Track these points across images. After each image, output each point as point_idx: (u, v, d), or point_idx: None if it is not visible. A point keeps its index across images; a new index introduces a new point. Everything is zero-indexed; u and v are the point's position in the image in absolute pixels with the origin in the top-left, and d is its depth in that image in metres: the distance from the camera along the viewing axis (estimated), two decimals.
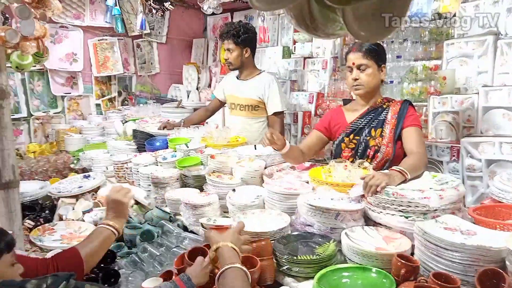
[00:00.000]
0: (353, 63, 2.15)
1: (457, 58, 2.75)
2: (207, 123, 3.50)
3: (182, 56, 5.47)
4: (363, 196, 1.65)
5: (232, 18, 4.91)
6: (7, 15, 2.78)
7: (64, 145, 3.98)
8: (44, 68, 4.32)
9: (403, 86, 3.04)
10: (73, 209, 2.50)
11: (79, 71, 4.64)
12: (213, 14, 4.51)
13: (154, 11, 4.75)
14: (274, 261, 1.45)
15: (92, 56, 4.72)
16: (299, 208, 1.67)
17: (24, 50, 2.16)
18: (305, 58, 4.01)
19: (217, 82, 4.87)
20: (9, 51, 2.22)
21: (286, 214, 1.70)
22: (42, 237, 2.18)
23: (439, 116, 2.71)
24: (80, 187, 2.74)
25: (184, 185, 2.32)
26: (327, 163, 2.10)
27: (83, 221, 2.36)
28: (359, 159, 2.11)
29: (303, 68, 4.01)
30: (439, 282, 1.15)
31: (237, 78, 3.23)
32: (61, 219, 2.46)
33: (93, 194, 2.66)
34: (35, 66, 2.86)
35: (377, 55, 2.14)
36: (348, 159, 2.14)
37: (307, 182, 1.97)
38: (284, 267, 1.42)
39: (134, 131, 3.33)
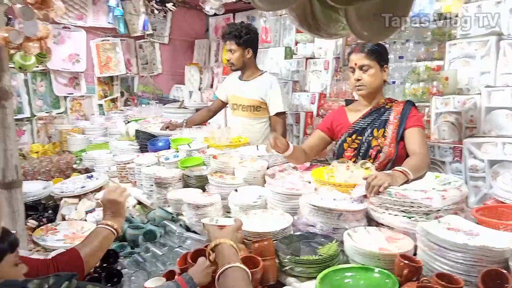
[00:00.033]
0: (356, 64, 2.15)
1: (459, 58, 2.74)
2: (209, 123, 3.50)
3: (184, 56, 5.48)
4: (365, 196, 1.65)
5: (234, 18, 4.91)
6: (10, 16, 2.80)
7: (67, 145, 3.99)
8: (47, 68, 4.35)
9: (405, 86, 3.03)
10: (76, 209, 2.51)
11: (81, 72, 4.66)
12: (215, 15, 4.52)
13: (156, 12, 4.77)
14: (277, 261, 1.45)
15: (94, 57, 4.74)
16: (301, 208, 1.67)
17: (27, 51, 2.18)
18: (307, 59, 4.01)
19: (219, 82, 4.87)
20: (12, 51, 2.23)
21: (289, 214, 1.70)
22: (45, 237, 2.19)
23: (442, 116, 2.70)
24: (83, 187, 2.74)
25: (186, 185, 2.32)
26: (330, 164, 2.10)
27: (86, 221, 2.37)
28: (362, 159, 2.11)
29: (305, 69, 4.01)
30: (442, 283, 1.15)
31: (239, 78, 3.23)
32: (64, 219, 2.47)
33: (95, 194, 2.67)
34: (38, 66, 2.87)
35: (380, 56, 2.14)
36: (351, 159, 2.14)
37: (309, 183, 1.96)
38: (287, 267, 1.42)
39: (137, 131, 3.34)
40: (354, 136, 2.20)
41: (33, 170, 3.25)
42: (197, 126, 3.31)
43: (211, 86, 5.14)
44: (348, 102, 3.13)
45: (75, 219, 2.40)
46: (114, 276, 1.64)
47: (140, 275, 1.65)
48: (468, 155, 2.45)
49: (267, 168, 2.23)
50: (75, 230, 2.26)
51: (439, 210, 1.47)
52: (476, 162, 2.42)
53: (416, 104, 2.24)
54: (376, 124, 2.17)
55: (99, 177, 2.88)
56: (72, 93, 4.63)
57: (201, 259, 1.38)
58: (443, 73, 2.75)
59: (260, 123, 3.15)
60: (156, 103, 4.89)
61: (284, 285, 1.42)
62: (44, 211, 2.59)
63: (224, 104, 3.45)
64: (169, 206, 2.18)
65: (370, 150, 2.15)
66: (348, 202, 1.67)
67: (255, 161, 2.28)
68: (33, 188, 2.76)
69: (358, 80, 2.16)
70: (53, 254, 1.55)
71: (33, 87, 4.32)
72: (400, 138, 2.09)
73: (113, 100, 5.01)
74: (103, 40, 4.79)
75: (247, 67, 3.14)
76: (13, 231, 1.26)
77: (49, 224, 2.34)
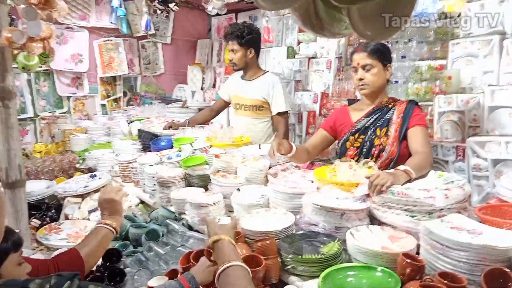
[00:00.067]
0: (358, 63, 2.15)
1: (462, 57, 2.73)
2: (211, 123, 3.51)
3: (187, 56, 5.49)
4: (368, 195, 1.65)
5: (236, 18, 4.92)
6: (13, 16, 2.81)
7: (70, 145, 4.01)
8: (50, 68, 4.36)
9: (408, 86, 3.02)
10: (79, 208, 2.52)
11: (84, 72, 4.67)
12: (217, 14, 4.52)
13: (159, 12, 4.77)
14: (279, 260, 1.45)
15: (97, 57, 4.75)
16: (304, 207, 1.67)
17: (30, 51, 2.18)
18: (309, 58, 4.00)
19: (222, 82, 4.88)
20: (15, 52, 2.24)
21: (291, 214, 1.70)
22: (48, 236, 2.20)
23: (445, 115, 2.69)
24: (86, 186, 2.76)
25: (189, 184, 2.33)
26: (332, 163, 2.10)
27: (89, 220, 2.38)
28: (364, 158, 2.10)
29: (308, 68, 4.01)
30: (445, 282, 1.14)
31: (242, 78, 3.23)
32: (67, 218, 2.48)
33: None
34: (41, 66, 2.87)
35: (382, 55, 2.14)
36: (353, 158, 2.14)
37: (312, 182, 1.96)
38: (289, 266, 1.42)
39: (140, 131, 3.34)
40: (356, 135, 2.20)
41: (37, 170, 3.27)
42: (200, 125, 3.32)
43: (214, 86, 5.15)
44: (351, 101, 3.13)
45: (78, 218, 2.42)
46: (117, 275, 1.64)
47: (143, 274, 1.66)
48: (471, 154, 2.44)
49: (270, 167, 2.23)
50: (78, 229, 2.27)
51: (442, 209, 1.47)
52: (479, 161, 2.41)
53: (419, 104, 2.23)
54: (378, 123, 2.17)
55: (102, 177, 2.89)
56: (75, 93, 4.65)
57: (203, 258, 1.38)
58: (446, 72, 2.75)
59: (263, 122, 3.15)
60: (159, 102, 4.90)
61: (287, 284, 1.41)
62: (47, 210, 2.61)
63: (226, 104, 3.46)
64: (171, 205, 2.19)
65: (373, 149, 2.14)
66: (351, 201, 1.66)
67: (257, 161, 2.28)
68: (37, 188, 2.77)
69: (361, 79, 2.15)
70: (55, 253, 1.56)
71: (36, 87, 4.34)
72: (402, 137, 2.09)
73: (116, 100, 5.02)
74: (106, 40, 4.80)
75: (249, 67, 3.14)
76: (17, 231, 1.27)
77: (53, 224, 2.35)
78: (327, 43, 3.82)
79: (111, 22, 4.74)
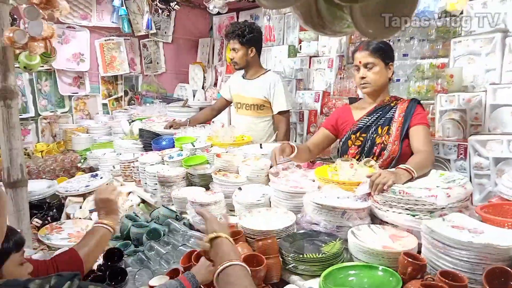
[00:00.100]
0: (360, 62, 2.15)
1: (464, 56, 2.72)
2: (213, 122, 3.50)
3: (188, 55, 5.49)
4: (369, 194, 1.64)
5: (237, 17, 4.91)
6: (15, 16, 2.81)
7: (71, 144, 4.02)
8: (52, 68, 4.37)
9: (410, 84, 3.02)
10: (81, 207, 2.52)
11: (86, 71, 4.68)
12: (218, 13, 4.51)
13: (160, 11, 4.77)
14: (280, 259, 1.45)
15: (98, 56, 4.76)
16: (305, 206, 1.67)
17: (32, 51, 2.19)
18: (311, 57, 4.00)
19: (223, 81, 4.88)
20: (17, 51, 2.24)
21: (292, 213, 1.70)
22: (50, 235, 2.20)
23: (446, 114, 2.69)
24: (87, 186, 2.76)
25: (190, 183, 2.33)
26: (333, 162, 2.10)
27: (91, 219, 2.38)
28: (366, 156, 2.10)
29: (309, 67, 4.00)
30: (447, 281, 1.14)
31: (243, 77, 3.23)
32: (68, 217, 2.49)
33: None
34: (42, 66, 2.89)
35: (384, 53, 2.13)
36: (355, 157, 2.14)
37: (313, 181, 1.96)
38: (290, 265, 1.42)
39: (141, 130, 3.35)
40: (358, 134, 2.20)
41: (38, 169, 3.28)
42: (201, 124, 3.32)
43: (215, 85, 5.15)
44: (352, 100, 3.13)
45: (80, 218, 2.42)
46: (118, 275, 1.64)
47: (144, 273, 1.66)
48: (473, 152, 2.43)
49: (271, 166, 2.23)
50: (79, 228, 2.28)
51: (443, 208, 1.47)
52: (480, 159, 2.41)
53: (421, 102, 2.23)
54: (380, 122, 2.16)
55: (103, 176, 2.89)
56: (77, 93, 4.66)
57: (204, 258, 1.38)
58: (448, 71, 2.74)
59: (264, 121, 3.15)
60: (160, 102, 4.91)
61: (288, 283, 1.41)
62: (48, 210, 2.61)
63: (228, 103, 3.46)
64: (173, 204, 2.19)
65: (374, 147, 2.14)
66: (352, 200, 1.66)
67: (258, 160, 2.28)
68: (38, 187, 2.78)
69: (363, 78, 2.15)
70: (55, 254, 1.57)
71: (38, 87, 4.35)
72: (404, 136, 2.09)
73: (117, 99, 5.03)
74: (107, 40, 4.81)
75: (250, 66, 3.14)
76: (18, 230, 1.27)
77: (54, 223, 2.35)
78: (328, 41, 3.81)
79: (113, 22, 4.75)
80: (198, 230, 1.92)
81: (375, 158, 2.10)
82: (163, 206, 2.15)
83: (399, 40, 3.16)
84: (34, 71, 4.04)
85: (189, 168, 2.36)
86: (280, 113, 3.05)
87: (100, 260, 1.73)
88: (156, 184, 2.34)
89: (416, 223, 1.46)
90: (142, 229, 2.00)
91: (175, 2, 4.58)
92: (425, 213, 1.47)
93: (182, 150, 2.69)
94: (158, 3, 4.57)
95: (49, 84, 4.46)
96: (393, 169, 1.73)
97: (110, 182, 2.78)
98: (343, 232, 1.51)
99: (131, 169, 2.76)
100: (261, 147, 2.54)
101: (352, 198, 1.68)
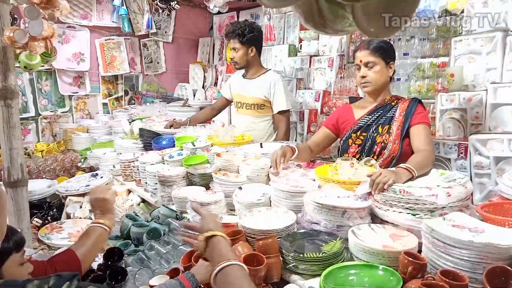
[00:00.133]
0: (361, 61, 2.15)
1: (465, 55, 2.72)
2: (213, 121, 3.50)
3: (188, 55, 5.49)
4: (369, 193, 1.64)
5: (238, 17, 4.91)
6: (15, 16, 2.81)
7: (72, 144, 4.02)
8: (52, 68, 4.37)
9: (410, 83, 3.01)
10: (81, 207, 2.52)
11: (86, 71, 4.68)
12: (219, 13, 4.51)
13: (160, 10, 4.78)
14: (281, 258, 1.45)
15: (99, 56, 4.76)
16: (305, 206, 1.67)
17: (32, 50, 2.18)
18: (311, 56, 3.99)
19: (223, 80, 4.88)
20: (17, 51, 2.24)
21: (292, 212, 1.70)
22: (50, 235, 2.20)
23: (447, 113, 2.68)
24: (87, 185, 2.76)
25: (190, 183, 2.33)
26: (334, 161, 2.10)
27: (91, 219, 2.38)
28: (366, 155, 2.11)
29: (309, 66, 4.00)
30: (447, 280, 1.14)
31: (243, 77, 3.23)
32: (68, 217, 2.48)
33: None
34: (43, 66, 2.88)
35: (385, 53, 2.13)
36: (355, 156, 2.14)
37: (313, 180, 1.96)
38: (291, 265, 1.42)
39: (141, 129, 3.35)
40: (359, 133, 2.20)
41: (38, 169, 3.28)
42: (201, 124, 3.32)
43: (215, 84, 5.15)
44: (352, 99, 3.12)
45: (80, 218, 2.42)
46: (118, 274, 1.64)
47: (144, 272, 1.66)
48: (474, 152, 2.43)
49: (271, 166, 2.23)
50: (80, 228, 2.28)
51: (444, 207, 1.47)
52: (481, 159, 2.40)
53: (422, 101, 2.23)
54: (381, 121, 2.16)
55: (103, 176, 2.89)
56: (77, 92, 4.66)
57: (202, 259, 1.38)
58: (449, 70, 2.73)
59: (264, 121, 3.14)
60: (160, 101, 4.91)
61: (288, 282, 1.41)
62: (49, 209, 2.61)
63: (228, 102, 3.45)
64: (173, 204, 2.19)
65: (375, 146, 2.14)
66: (352, 199, 1.66)
67: (259, 159, 2.28)
68: (38, 187, 2.78)
69: (364, 77, 2.15)
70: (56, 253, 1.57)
71: (38, 86, 4.35)
72: (405, 135, 2.09)
73: (118, 99, 5.03)
74: (107, 39, 4.81)
75: (250, 65, 3.14)
76: (19, 230, 1.27)
77: (54, 223, 2.35)
78: (329, 41, 3.81)
79: (113, 21, 4.75)
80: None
81: (375, 157, 2.10)
82: (163, 205, 2.15)
83: (399, 39, 3.16)
84: (34, 71, 4.03)
85: (189, 167, 2.36)
86: (280, 112, 3.05)
87: (100, 260, 1.73)
88: (156, 183, 2.34)
89: (417, 222, 1.45)
90: (142, 229, 2.00)
91: (175, 2, 4.58)
92: (425, 212, 1.47)
93: (182, 150, 2.69)
94: (158, 3, 4.57)
95: (50, 83, 4.46)
96: (393, 168, 1.73)
97: (110, 182, 2.78)
98: (343, 231, 1.51)
99: (131, 169, 2.76)
100: (261, 147, 2.54)
101: (353, 197, 1.68)
